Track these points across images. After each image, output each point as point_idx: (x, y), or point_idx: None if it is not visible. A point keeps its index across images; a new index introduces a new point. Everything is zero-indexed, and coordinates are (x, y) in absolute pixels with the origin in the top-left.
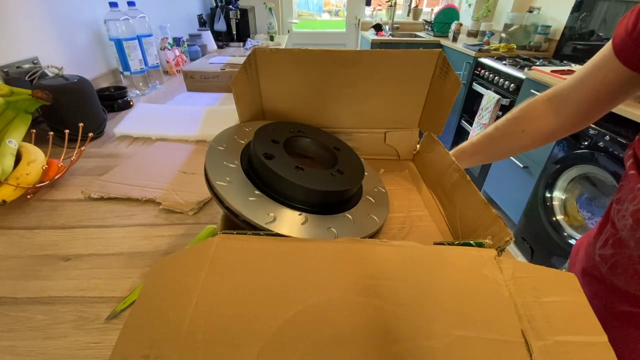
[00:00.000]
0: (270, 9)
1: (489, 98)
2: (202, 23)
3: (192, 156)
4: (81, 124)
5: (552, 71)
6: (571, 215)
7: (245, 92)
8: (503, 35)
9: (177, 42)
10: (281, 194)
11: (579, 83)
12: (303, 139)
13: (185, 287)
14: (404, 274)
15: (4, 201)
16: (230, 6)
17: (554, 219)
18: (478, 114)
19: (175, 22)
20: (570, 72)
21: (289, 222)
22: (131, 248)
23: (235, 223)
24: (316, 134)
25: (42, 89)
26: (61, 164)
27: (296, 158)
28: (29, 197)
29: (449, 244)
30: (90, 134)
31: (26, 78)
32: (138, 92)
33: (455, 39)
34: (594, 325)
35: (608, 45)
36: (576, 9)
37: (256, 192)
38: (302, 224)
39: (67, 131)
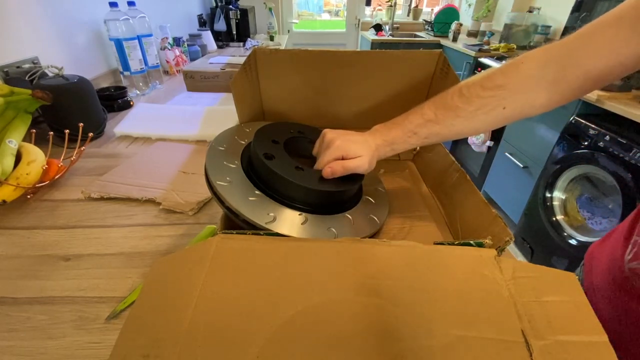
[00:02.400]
0: (270, 9)
1: None
2: (202, 23)
3: (192, 156)
4: (81, 124)
5: None
6: (571, 215)
7: (245, 92)
8: (503, 35)
9: (177, 42)
10: (281, 194)
11: (590, 42)
12: (303, 139)
13: (185, 287)
14: (404, 273)
15: (4, 201)
16: (230, 6)
17: (554, 219)
18: None
19: (175, 22)
20: None
21: (289, 222)
22: (131, 248)
23: (235, 223)
24: (316, 134)
25: (42, 89)
26: (61, 164)
27: (296, 158)
28: (29, 197)
29: (449, 244)
30: (90, 134)
31: (26, 78)
32: (138, 92)
33: (455, 39)
34: (594, 325)
35: None
36: (576, 9)
37: (256, 192)
38: (302, 224)
39: (67, 131)
